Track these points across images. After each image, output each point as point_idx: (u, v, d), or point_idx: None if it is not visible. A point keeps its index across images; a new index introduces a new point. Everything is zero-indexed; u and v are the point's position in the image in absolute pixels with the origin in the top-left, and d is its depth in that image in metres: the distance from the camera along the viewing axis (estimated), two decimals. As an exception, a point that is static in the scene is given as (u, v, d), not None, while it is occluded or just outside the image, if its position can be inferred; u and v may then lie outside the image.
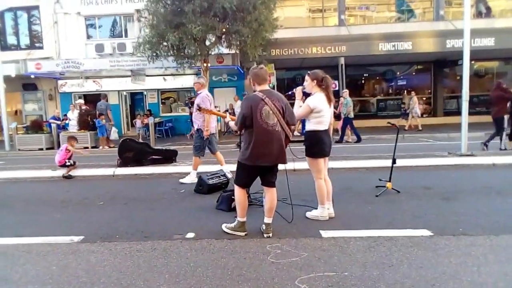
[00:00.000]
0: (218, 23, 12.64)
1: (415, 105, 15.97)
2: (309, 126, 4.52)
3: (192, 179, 7.07)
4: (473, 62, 18.42)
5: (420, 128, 15.62)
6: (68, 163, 8.19)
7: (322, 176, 4.57)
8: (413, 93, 16.64)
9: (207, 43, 13.60)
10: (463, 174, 7.16)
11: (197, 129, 7.09)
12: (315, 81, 4.49)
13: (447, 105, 19.93)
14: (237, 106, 15.87)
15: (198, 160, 7.18)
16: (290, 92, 5.10)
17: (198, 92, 7.06)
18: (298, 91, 4.61)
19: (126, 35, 18.26)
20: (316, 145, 4.48)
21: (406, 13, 19.31)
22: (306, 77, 4.57)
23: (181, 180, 7.19)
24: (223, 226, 4.26)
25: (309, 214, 4.70)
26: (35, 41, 18.59)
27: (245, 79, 17.85)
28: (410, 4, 19.30)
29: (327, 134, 4.57)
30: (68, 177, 8.11)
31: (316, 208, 4.67)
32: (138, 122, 16.21)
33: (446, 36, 15.56)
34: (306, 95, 4.61)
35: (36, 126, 14.60)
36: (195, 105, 6.84)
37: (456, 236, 3.89)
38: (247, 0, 12.24)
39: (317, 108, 4.38)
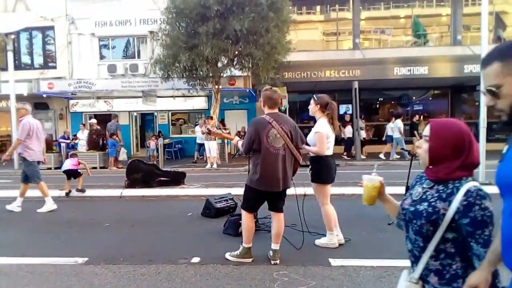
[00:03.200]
0: (230, 46, 12.90)
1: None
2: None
3: (48, 207, 6.96)
4: (491, 88, 18.35)
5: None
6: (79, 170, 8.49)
7: (328, 201, 4.59)
8: (346, 118, 16.48)
9: (219, 65, 13.85)
10: (480, 204, 7.04)
11: (23, 158, 6.97)
12: (318, 105, 4.58)
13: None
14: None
15: (42, 185, 6.98)
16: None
17: (20, 119, 6.91)
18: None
19: (138, 56, 18.68)
20: (325, 171, 4.50)
21: (423, 37, 19.44)
22: (311, 101, 4.67)
23: (39, 210, 6.97)
24: (227, 255, 4.20)
25: (318, 241, 4.68)
26: (49, 61, 19.10)
27: (257, 102, 18.03)
28: (427, 28, 19.44)
29: (333, 159, 4.61)
30: (82, 190, 8.39)
31: (325, 235, 4.65)
32: (152, 144, 16.12)
33: (464, 61, 15.57)
34: (311, 118, 4.69)
35: (46, 145, 14.83)
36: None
37: (472, 268, 3.83)
38: (260, 23, 12.49)
39: (327, 134, 4.45)
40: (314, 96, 4.68)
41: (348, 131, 15.63)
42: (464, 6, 18.69)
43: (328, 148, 4.51)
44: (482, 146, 8.93)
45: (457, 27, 18.56)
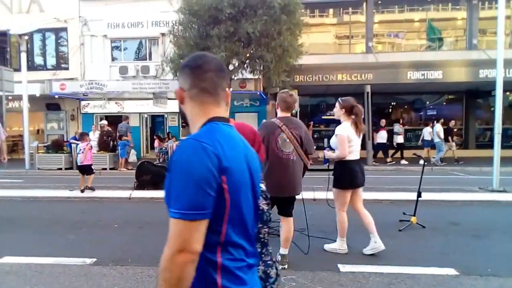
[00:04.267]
0: (242, 48, 12.94)
1: None
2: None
3: None
4: (507, 93, 18.12)
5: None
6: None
7: (346, 208, 4.54)
8: (309, 123, 16.27)
9: (231, 67, 13.90)
10: (494, 211, 6.97)
11: None
12: (343, 109, 4.47)
13: (479, 137, 19.52)
14: None
15: None
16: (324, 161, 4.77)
17: None
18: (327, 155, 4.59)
19: (150, 58, 18.85)
20: (346, 176, 4.42)
21: (437, 41, 19.27)
22: (336, 104, 4.57)
23: None
24: None
25: (327, 246, 4.66)
26: (61, 62, 19.39)
27: (268, 105, 18.05)
28: (442, 32, 19.27)
29: (359, 164, 4.50)
30: (92, 188, 8.76)
31: (335, 241, 4.63)
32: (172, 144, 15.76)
33: (479, 66, 15.39)
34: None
35: (57, 146, 15.04)
36: None
37: (484, 277, 3.79)
38: (272, 26, 12.52)
39: (349, 137, 4.35)
40: (339, 99, 4.58)
41: (380, 136, 15.41)
42: (480, 10, 18.50)
43: (351, 152, 4.40)
44: (497, 152, 8.81)
45: (473, 31, 18.37)
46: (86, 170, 8.73)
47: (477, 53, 17.41)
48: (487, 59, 15.32)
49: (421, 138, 15.82)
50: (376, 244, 4.41)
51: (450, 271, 3.93)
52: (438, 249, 4.68)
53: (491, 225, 5.87)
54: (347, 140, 4.34)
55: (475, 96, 18.95)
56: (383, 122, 16.11)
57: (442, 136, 14.67)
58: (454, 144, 15.53)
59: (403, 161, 15.13)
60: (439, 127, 14.78)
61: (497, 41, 9.21)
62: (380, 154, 15.56)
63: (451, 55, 17.75)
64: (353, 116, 4.45)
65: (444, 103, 20.10)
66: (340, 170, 4.44)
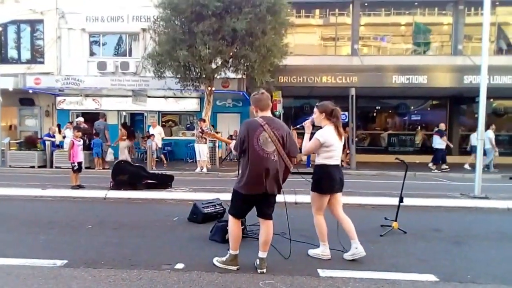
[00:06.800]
0: (226, 47, 12.89)
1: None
2: (318, 160, 4.49)
3: None
4: (491, 100, 18.53)
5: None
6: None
7: (323, 212, 4.57)
8: (291, 126, 16.23)
9: (213, 66, 13.84)
10: (475, 218, 7.11)
11: None
12: (323, 113, 4.49)
13: (463, 143, 19.88)
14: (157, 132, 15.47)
15: None
16: (299, 126, 4.93)
17: None
18: (307, 124, 4.59)
19: (130, 54, 18.64)
20: (325, 181, 4.44)
21: (423, 46, 19.60)
22: (315, 109, 4.58)
23: None
24: (214, 260, 4.23)
25: (311, 251, 4.66)
26: (37, 56, 19.02)
27: (250, 106, 18.03)
28: (428, 37, 19.60)
29: (338, 169, 4.53)
30: (82, 186, 9.32)
31: (318, 246, 4.64)
32: (154, 145, 15.24)
33: (464, 72, 15.71)
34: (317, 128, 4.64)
35: (30, 143, 14.73)
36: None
37: (464, 284, 3.85)
38: (256, 25, 12.52)
39: (326, 142, 4.37)
40: (317, 104, 4.59)
41: (437, 142, 15.25)
42: (466, 15, 18.90)
43: (332, 157, 4.44)
44: (479, 159, 9.00)
45: (458, 37, 18.76)
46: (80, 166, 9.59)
47: (462, 58, 17.80)
48: (472, 65, 15.65)
49: (469, 143, 15.76)
50: (357, 250, 4.44)
51: (430, 277, 3.98)
52: (418, 255, 4.74)
53: (472, 232, 5.99)
54: (319, 144, 4.38)
55: (459, 102, 19.33)
56: (442, 125, 15.85)
57: (493, 142, 14.64)
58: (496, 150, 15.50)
59: (438, 167, 15.19)
60: (491, 134, 14.72)
61: (482, 47, 9.41)
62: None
63: (436, 60, 18.08)
64: (334, 119, 4.47)
65: (429, 109, 20.45)
66: (320, 174, 4.46)
